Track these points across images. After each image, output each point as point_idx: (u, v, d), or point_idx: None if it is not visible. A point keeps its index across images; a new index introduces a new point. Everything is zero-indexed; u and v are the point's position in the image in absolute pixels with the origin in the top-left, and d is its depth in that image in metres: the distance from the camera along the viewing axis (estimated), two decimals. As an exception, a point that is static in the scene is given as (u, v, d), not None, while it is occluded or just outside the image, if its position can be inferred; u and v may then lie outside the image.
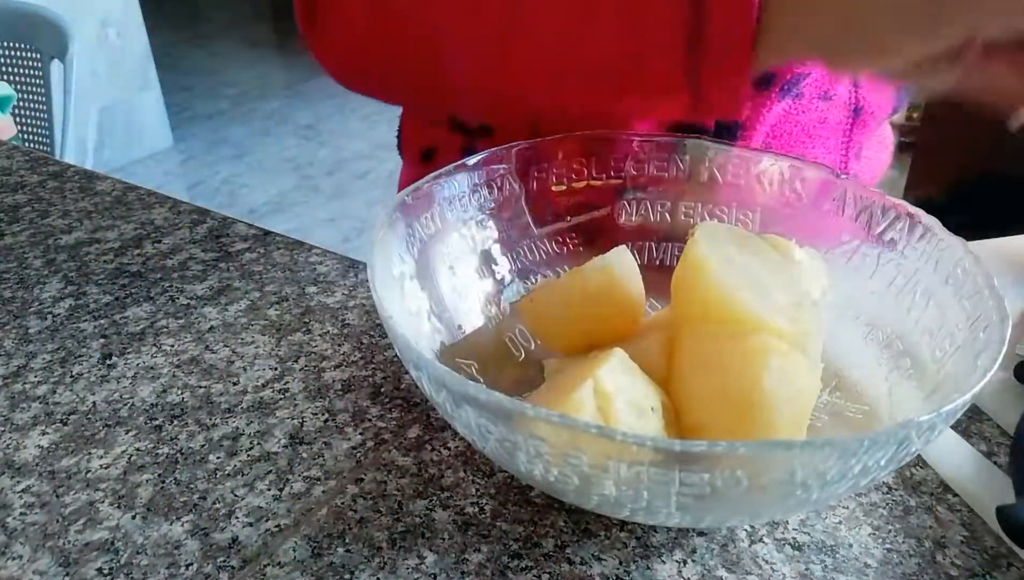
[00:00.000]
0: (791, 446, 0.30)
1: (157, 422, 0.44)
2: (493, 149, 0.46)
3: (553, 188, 0.48)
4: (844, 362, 0.42)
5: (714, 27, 0.38)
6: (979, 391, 0.31)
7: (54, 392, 0.47)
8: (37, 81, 1.61)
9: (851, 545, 0.37)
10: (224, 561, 0.36)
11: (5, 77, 1.63)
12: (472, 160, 0.45)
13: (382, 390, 0.46)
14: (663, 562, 0.36)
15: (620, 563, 0.36)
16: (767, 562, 0.36)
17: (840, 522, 0.38)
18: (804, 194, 0.45)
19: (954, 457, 0.41)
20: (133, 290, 0.56)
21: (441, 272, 0.45)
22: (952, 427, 0.42)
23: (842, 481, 0.31)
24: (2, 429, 0.44)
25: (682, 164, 0.48)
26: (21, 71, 1.64)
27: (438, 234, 0.45)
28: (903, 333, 0.40)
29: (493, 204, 0.47)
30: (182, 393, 0.47)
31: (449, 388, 0.32)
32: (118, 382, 0.48)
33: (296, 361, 0.49)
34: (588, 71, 0.43)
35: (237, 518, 0.38)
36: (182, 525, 0.38)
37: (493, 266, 0.47)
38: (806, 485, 0.30)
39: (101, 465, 0.42)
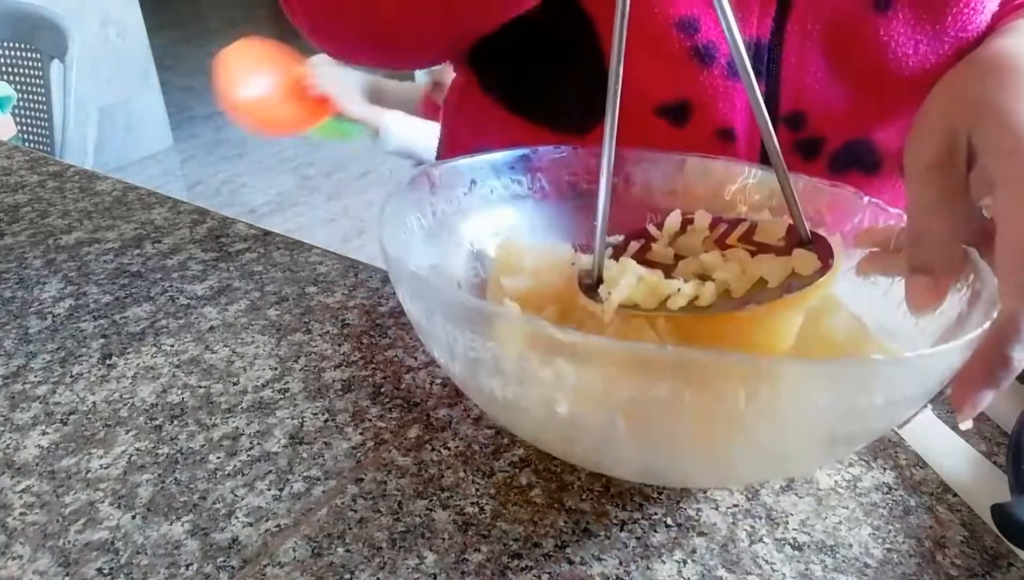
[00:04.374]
0: (725, 356, 0.29)
1: (157, 422, 0.44)
2: (525, 148, 0.47)
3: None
4: None
5: None
6: (951, 350, 0.30)
7: (54, 392, 0.47)
8: (37, 81, 1.61)
9: (851, 545, 0.37)
10: (224, 561, 0.36)
11: (5, 77, 1.63)
12: (504, 153, 0.46)
13: (382, 390, 0.46)
14: (663, 562, 0.36)
15: (620, 563, 0.36)
16: (767, 562, 0.36)
17: (840, 522, 0.38)
18: (826, 214, 0.45)
19: (954, 457, 0.41)
20: (133, 290, 0.56)
21: (452, 247, 0.45)
22: (952, 427, 0.42)
23: (795, 425, 0.30)
24: (2, 429, 0.44)
25: (704, 183, 0.48)
26: (21, 71, 1.64)
27: (459, 212, 0.45)
28: (912, 345, 0.40)
29: (520, 198, 0.47)
30: (182, 393, 0.47)
31: (423, 297, 0.33)
32: (118, 382, 0.48)
33: (296, 361, 0.49)
34: None
35: (237, 518, 0.38)
36: (182, 525, 0.38)
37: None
38: (754, 416, 0.29)
39: (101, 465, 0.42)
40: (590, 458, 0.38)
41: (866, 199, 0.43)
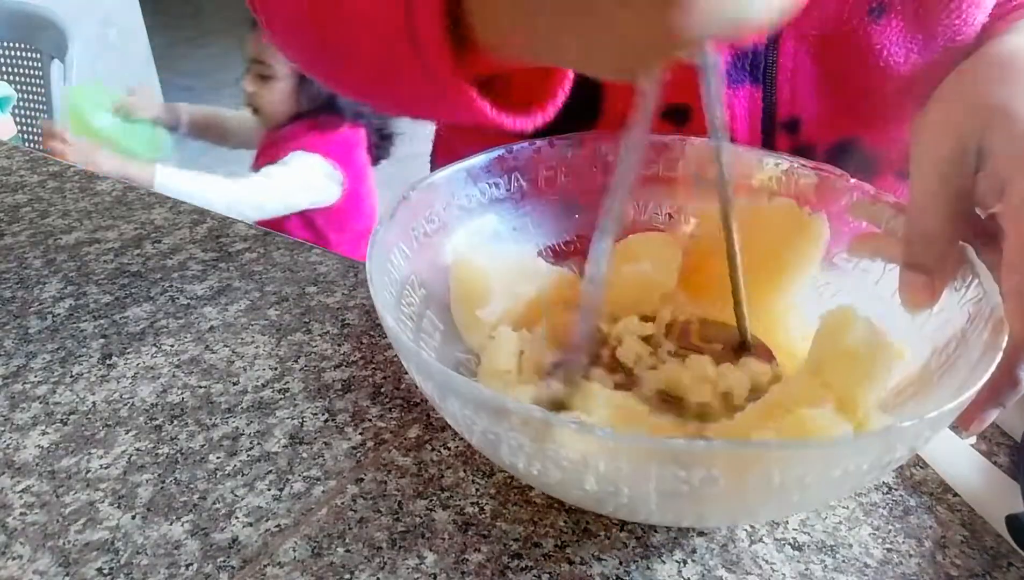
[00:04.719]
0: (767, 447, 0.30)
1: (157, 422, 0.44)
2: (500, 148, 0.46)
3: (559, 187, 0.48)
4: None
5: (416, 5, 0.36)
6: (966, 400, 0.31)
7: (54, 392, 0.47)
8: (37, 81, 1.61)
9: (851, 545, 0.37)
10: (224, 561, 0.36)
11: (5, 77, 1.63)
12: (479, 158, 0.46)
13: (382, 390, 0.46)
14: (663, 562, 0.36)
15: (620, 563, 0.36)
16: (767, 562, 0.36)
17: (840, 522, 0.38)
18: (812, 196, 0.45)
19: (954, 457, 0.41)
20: (133, 290, 0.56)
21: (442, 267, 0.45)
22: (952, 427, 0.42)
23: (822, 485, 0.31)
24: (2, 429, 0.44)
25: (687, 163, 0.48)
26: (21, 71, 1.64)
27: (442, 229, 0.45)
28: (907, 339, 0.40)
29: (499, 201, 0.47)
30: (182, 393, 0.47)
31: (435, 379, 0.33)
32: (118, 382, 0.48)
33: (296, 361, 0.49)
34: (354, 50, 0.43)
35: (237, 518, 0.38)
36: (182, 525, 0.38)
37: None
38: (785, 487, 0.30)
39: (101, 465, 0.42)
40: (618, 515, 0.38)
41: (851, 181, 0.44)
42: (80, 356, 0.50)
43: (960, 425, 0.34)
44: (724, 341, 0.42)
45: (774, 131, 0.52)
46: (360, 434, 0.43)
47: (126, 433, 0.44)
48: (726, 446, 0.30)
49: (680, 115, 0.52)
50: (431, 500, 0.39)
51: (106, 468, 0.41)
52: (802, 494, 0.31)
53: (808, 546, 0.37)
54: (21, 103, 1.63)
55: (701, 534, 0.37)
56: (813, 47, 0.49)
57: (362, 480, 0.40)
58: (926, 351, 0.38)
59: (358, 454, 0.42)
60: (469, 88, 0.38)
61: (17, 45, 1.62)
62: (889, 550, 0.37)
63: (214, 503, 0.39)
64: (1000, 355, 0.32)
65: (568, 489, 0.34)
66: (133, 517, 0.39)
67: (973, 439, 0.38)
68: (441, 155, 0.70)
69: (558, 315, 0.43)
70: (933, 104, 0.39)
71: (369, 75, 0.45)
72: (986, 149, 0.36)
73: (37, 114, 1.62)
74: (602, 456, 0.30)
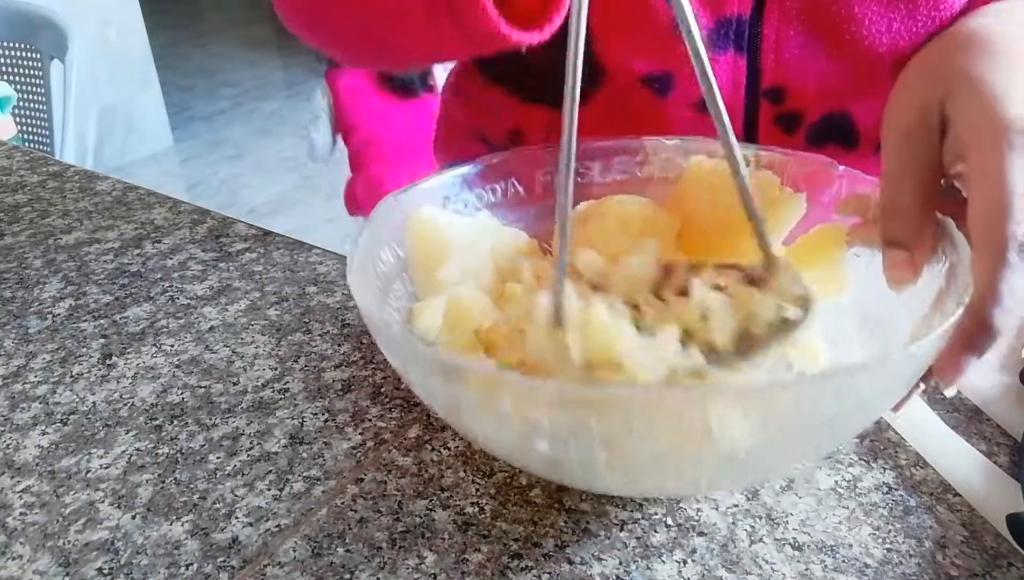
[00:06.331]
0: (689, 390, 0.30)
1: (157, 422, 0.44)
2: (495, 153, 0.46)
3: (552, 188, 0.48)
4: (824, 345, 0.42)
5: None
6: (916, 351, 0.30)
7: (54, 392, 0.47)
8: (37, 81, 1.61)
9: (851, 545, 0.37)
10: (224, 561, 0.36)
11: (5, 77, 1.63)
12: (473, 164, 0.45)
13: (382, 390, 0.46)
14: (663, 562, 0.36)
15: (620, 563, 0.36)
16: (767, 562, 0.36)
17: (840, 522, 0.38)
18: (801, 185, 0.45)
19: (955, 457, 0.41)
20: (133, 290, 0.56)
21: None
22: (952, 427, 0.42)
23: (769, 444, 0.30)
24: (2, 429, 0.44)
25: (685, 161, 0.47)
26: (21, 71, 1.64)
27: None
28: (891, 322, 0.40)
29: (495, 206, 0.47)
30: (182, 393, 0.47)
31: (399, 349, 0.33)
32: (118, 382, 0.48)
33: (296, 361, 0.49)
34: None
35: (237, 518, 0.38)
36: (182, 525, 0.38)
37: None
38: (727, 437, 0.30)
39: (101, 465, 0.42)
40: (579, 483, 0.38)
41: (841, 168, 0.44)
42: (80, 356, 0.50)
43: (937, 374, 0.34)
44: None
45: (758, 99, 0.53)
46: (360, 434, 0.43)
47: (126, 433, 0.44)
48: (651, 390, 0.30)
49: (661, 83, 0.53)
50: (431, 500, 0.39)
51: (106, 468, 0.41)
52: (748, 453, 0.31)
53: (808, 546, 0.37)
54: (21, 103, 1.62)
55: (701, 534, 0.37)
56: (797, 17, 0.51)
57: (362, 480, 0.40)
58: (911, 327, 0.38)
59: (358, 454, 0.42)
60: None
61: (17, 45, 1.62)
62: (889, 550, 0.37)
63: (214, 503, 0.39)
64: (960, 312, 0.32)
65: (525, 453, 0.34)
66: (133, 517, 0.39)
67: (954, 391, 0.37)
68: (446, 137, 0.70)
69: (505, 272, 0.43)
70: (900, 79, 0.40)
71: (370, 15, 0.44)
72: (948, 116, 0.36)
73: (37, 114, 1.62)
74: (544, 411, 0.30)
